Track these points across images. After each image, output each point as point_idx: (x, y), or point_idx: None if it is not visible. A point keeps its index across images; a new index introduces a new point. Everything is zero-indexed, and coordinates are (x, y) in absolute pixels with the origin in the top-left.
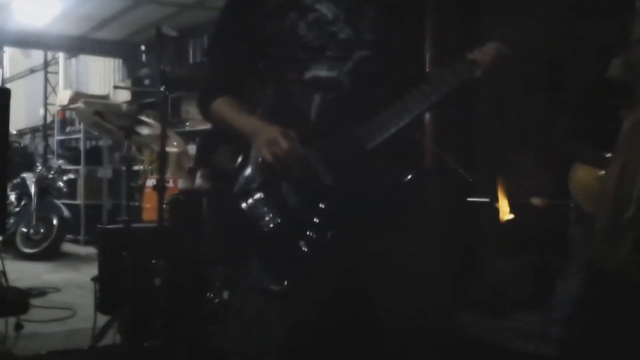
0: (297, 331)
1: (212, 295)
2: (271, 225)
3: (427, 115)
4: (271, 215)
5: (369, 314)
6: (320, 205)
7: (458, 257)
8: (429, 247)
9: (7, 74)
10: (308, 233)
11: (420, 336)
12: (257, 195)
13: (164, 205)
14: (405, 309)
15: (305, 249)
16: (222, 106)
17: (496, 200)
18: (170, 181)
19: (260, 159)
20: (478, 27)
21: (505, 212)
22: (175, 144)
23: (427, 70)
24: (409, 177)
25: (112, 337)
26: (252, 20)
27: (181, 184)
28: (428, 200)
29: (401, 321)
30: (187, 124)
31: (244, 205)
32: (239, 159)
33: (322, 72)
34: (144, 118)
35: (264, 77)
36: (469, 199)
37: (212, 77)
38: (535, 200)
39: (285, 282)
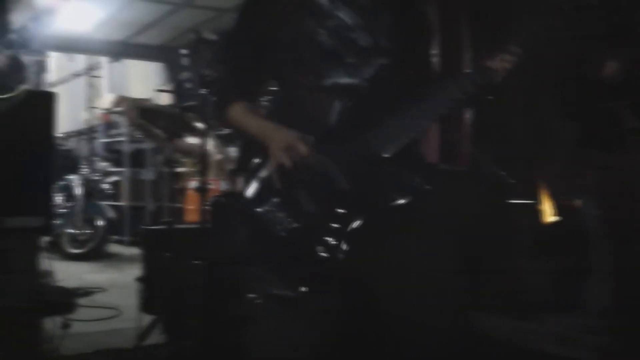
0: (313, 338)
1: (248, 297)
2: (287, 230)
3: (465, 117)
4: (288, 220)
5: (383, 320)
6: (337, 210)
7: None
8: (443, 254)
9: (53, 78)
10: (325, 238)
11: (431, 346)
12: (273, 200)
13: (206, 207)
14: (422, 313)
15: (323, 255)
16: (238, 111)
17: (538, 201)
18: (212, 183)
19: (276, 163)
20: (497, 32)
21: (548, 214)
22: (215, 147)
23: (443, 75)
24: (424, 183)
25: (155, 337)
26: (268, 25)
27: (223, 186)
28: (445, 206)
29: (408, 329)
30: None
31: (259, 209)
32: (254, 163)
33: (342, 79)
34: (189, 120)
35: (279, 81)
36: (508, 201)
37: (227, 82)
38: (577, 202)
39: (301, 289)
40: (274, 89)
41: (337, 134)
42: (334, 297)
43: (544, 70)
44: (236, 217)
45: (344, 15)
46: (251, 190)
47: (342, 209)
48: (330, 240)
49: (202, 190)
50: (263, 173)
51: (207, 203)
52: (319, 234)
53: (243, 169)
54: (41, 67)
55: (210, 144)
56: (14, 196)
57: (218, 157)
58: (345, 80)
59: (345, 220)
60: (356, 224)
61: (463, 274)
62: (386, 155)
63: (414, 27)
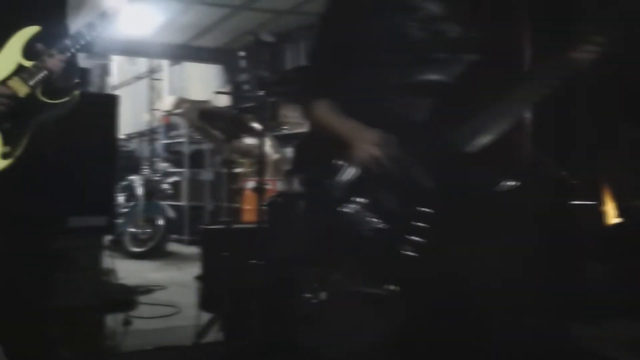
0: (399, 336)
1: (308, 296)
2: (372, 230)
3: (526, 117)
4: (372, 220)
5: (467, 319)
6: (421, 209)
7: (556, 261)
8: (528, 250)
9: (115, 82)
10: (410, 237)
11: (522, 343)
12: (355, 199)
13: (263, 207)
14: (504, 312)
15: (408, 253)
16: (322, 109)
17: (601, 203)
18: (269, 183)
19: (360, 162)
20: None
21: (611, 216)
22: (272, 148)
23: (526, 69)
24: (507, 181)
25: (214, 335)
26: (354, 22)
27: (279, 186)
28: (527, 203)
29: (499, 325)
30: (285, 127)
31: (343, 209)
32: (336, 163)
33: (428, 74)
34: (247, 121)
35: (365, 79)
36: (571, 202)
37: (313, 80)
38: None
39: (387, 286)
40: (360, 86)
41: (423, 132)
42: (418, 296)
43: (612, 65)
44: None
45: (432, 6)
46: (332, 189)
47: (425, 207)
48: (414, 238)
49: (259, 190)
50: (345, 172)
51: (264, 203)
52: (402, 232)
53: (301, 169)
54: (104, 71)
55: (267, 145)
56: (78, 196)
57: (275, 157)
58: (430, 76)
59: (430, 218)
60: (440, 221)
61: (542, 274)
62: (470, 153)
63: (504, 18)
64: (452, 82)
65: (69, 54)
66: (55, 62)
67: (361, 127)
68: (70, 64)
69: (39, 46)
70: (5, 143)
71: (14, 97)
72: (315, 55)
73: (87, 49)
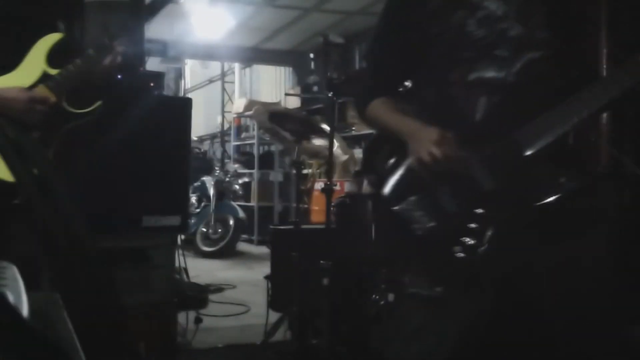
0: (456, 341)
1: (376, 297)
2: (425, 229)
3: (604, 116)
4: (425, 219)
5: (532, 325)
6: (478, 210)
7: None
8: (598, 256)
9: (188, 85)
10: (464, 239)
11: (591, 349)
12: (411, 198)
13: (331, 208)
14: (573, 320)
15: (461, 255)
16: (379, 107)
17: None
18: (338, 184)
19: (417, 161)
20: None
21: None
22: (340, 149)
23: (603, 67)
24: (572, 184)
25: (282, 334)
26: (413, 21)
27: (348, 187)
28: (596, 207)
29: (568, 333)
30: (354, 128)
31: (396, 208)
32: (392, 161)
33: (489, 73)
34: (316, 122)
35: (423, 78)
36: None
37: (370, 80)
38: None
39: (439, 289)
40: (420, 85)
41: (484, 131)
42: (475, 300)
43: None
44: (367, 217)
45: (494, 6)
46: (389, 188)
47: (486, 208)
48: (471, 241)
49: (327, 191)
50: (402, 171)
51: (333, 204)
52: (459, 234)
53: (370, 170)
54: (178, 74)
55: (336, 146)
56: (153, 196)
57: (343, 158)
58: (492, 74)
59: (488, 221)
60: (499, 224)
61: (617, 280)
62: (532, 153)
63: (571, 18)
64: (516, 80)
65: (93, 63)
66: (80, 71)
67: (419, 124)
68: (95, 73)
69: (64, 54)
70: None
71: (45, 104)
72: (375, 53)
73: (166, 53)
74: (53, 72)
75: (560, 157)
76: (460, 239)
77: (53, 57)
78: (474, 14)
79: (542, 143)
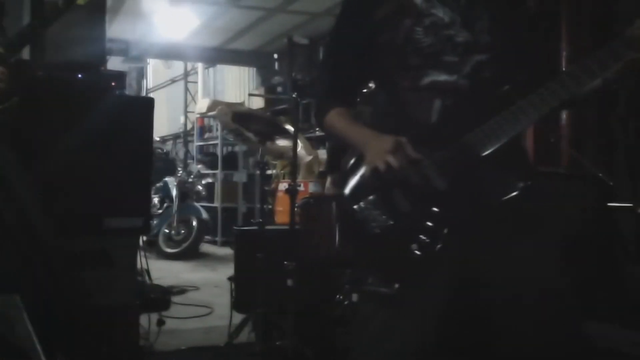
0: (417, 340)
1: (341, 297)
2: (382, 228)
3: (564, 118)
4: (382, 218)
5: (484, 321)
6: (433, 209)
7: (590, 264)
8: (548, 254)
9: (151, 84)
10: (420, 237)
11: (541, 348)
12: (370, 198)
13: (295, 209)
14: (523, 317)
15: (417, 252)
16: (335, 118)
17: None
18: (302, 185)
19: (373, 170)
20: (616, 24)
21: None
22: (305, 150)
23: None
24: (523, 184)
25: (247, 335)
26: (363, 30)
27: (312, 187)
28: (547, 207)
29: (519, 330)
30: (317, 129)
31: (355, 207)
32: (351, 162)
33: (440, 77)
34: (281, 123)
35: (374, 85)
36: (608, 204)
37: (325, 91)
38: None
39: (396, 285)
40: (374, 91)
41: (437, 133)
42: (430, 297)
43: None
44: (331, 217)
45: (441, 13)
46: (349, 188)
47: (438, 207)
48: (427, 239)
49: (292, 191)
50: (361, 171)
51: (297, 205)
52: (416, 232)
53: (334, 170)
54: (140, 74)
55: (300, 147)
56: (115, 198)
57: (308, 159)
58: (443, 78)
59: (443, 220)
60: (454, 223)
61: (570, 278)
62: (485, 155)
63: (518, 22)
64: (463, 84)
65: (8, 59)
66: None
67: (373, 134)
68: (11, 69)
69: None
70: None
71: None
72: (329, 62)
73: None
74: None
75: (511, 158)
76: (417, 236)
77: None
78: (421, 22)
79: (496, 144)
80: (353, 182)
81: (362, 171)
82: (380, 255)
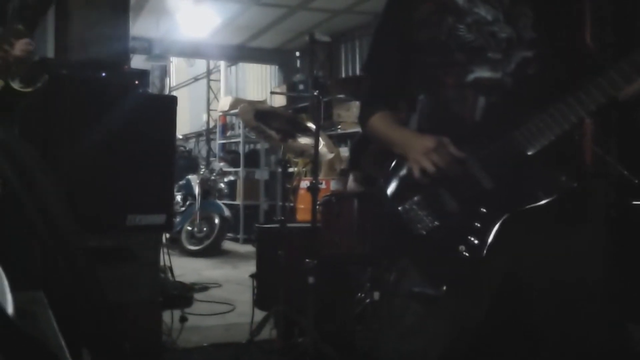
0: (458, 338)
1: (362, 295)
2: (428, 229)
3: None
4: (429, 219)
5: (531, 321)
6: (481, 209)
7: (620, 262)
8: (592, 251)
9: (174, 83)
10: (468, 237)
11: (584, 345)
12: (414, 199)
13: (317, 206)
14: (568, 316)
15: (466, 254)
16: (378, 121)
17: None
18: (323, 183)
19: (419, 170)
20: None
21: None
22: (326, 147)
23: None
24: (571, 182)
25: (268, 332)
26: (404, 31)
27: (333, 185)
28: (590, 204)
29: (562, 329)
30: (339, 127)
31: (399, 207)
32: (393, 161)
33: (485, 73)
34: (302, 121)
35: (419, 84)
36: (633, 202)
37: (370, 93)
38: None
39: (444, 287)
40: (420, 91)
41: (482, 132)
42: (478, 298)
43: None
44: (354, 215)
45: (483, 11)
46: (392, 188)
47: (485, 208)
48: (475, 240)
49: (313, 189)
50: (404, 171)
51: (318, 202)
52: (464, 233)
53: (355, 168)
54: (163, 72)
55: (322, 145)
56: (138, 195)
57: (329, 157)
58: (487, 74)
59: (489, 219)
60: (500, 223)
61: (614, 279)
62: (531, 153)
63: (562, 18)
64: (508, 81)
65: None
66: (20, 49)
67: (415, 134)
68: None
69: None
70: None
71: None
72: (371, 66)
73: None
74: None
75: (556, 156)
76: (464, 237)
77: None
78: (463, 20)
79: (543, 142)
80: (395, 182)
81: (405, 171)
82: (425, 257)
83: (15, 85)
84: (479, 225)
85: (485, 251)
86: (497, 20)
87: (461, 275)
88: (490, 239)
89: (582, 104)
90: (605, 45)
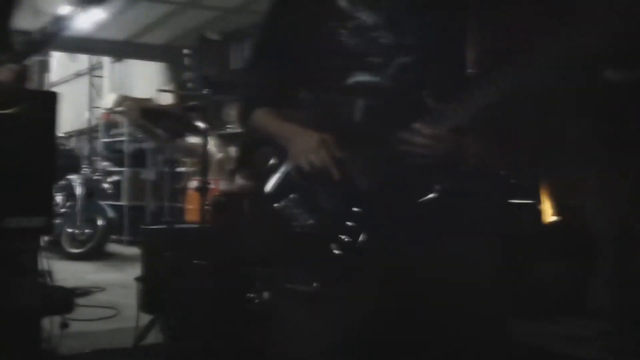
0: (342, 335)
1: (252, 296)
2: (304, 226)
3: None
4: (304, 217)
5: (405, 318)
6: (354, 209)
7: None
8: (469, 249)
9: (55, 78)
10: (340, 236)
11: (466, 339)
12: (291, 196)
13: (206, 207)
14: (446, 314)
15: (337, 252)
16: (260, 116)
17: (540, 202)
18: (212, 183)
19: (296, 167)
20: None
21: (549, 214)
22: (216, 147)
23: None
24: (446, 182)
25: (154, 337)
26: (291, 31)
27: (223, 185)
28: (467, 203)
29: (442, 324)
30: (229, 126)
31: (277, 205)
32: (273, 159)
33: (364, 77)
34: (191, 120)
35: (301, 85)
36: (511, 201)
37: (251, 91)
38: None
39: (315, 284)
40: (302, 92)
41: (361, 134)
42: (350, 295)
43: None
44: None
45: (364, 16)
46: (270, 186)
47: (363, 207)
48: (347, 238)
49: (202, 189)
50: (281, 170)
51: (207, 203)
52: (336, 232)
53: (244, 168)
54: (44, 67)
55: (211, 144)
56: (16, 196)
57: (219, 156)
58: (366, 78)
59: (365, 219)
60: (378, 221)
61: (490, 274)
62: (410, 155)
63: (443, 25)
64: (387, 85)
65: (22, 62)
66: (7, 72)
67: (299, 130)
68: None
69: None
70: None
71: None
72: (253, 64)
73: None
74: None
75: (436, 158)
76: (337, 235)
77: None
78: (345, 24)
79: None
80: (274, 180)
81: (284, 169)
82: (300, 254)
83: None
84: (352, 224)
85: (356, 250)
86: (378, 26)
87: (331, 273)
88: (361, 239)
89: (459, 107)
90: (483, 57)
